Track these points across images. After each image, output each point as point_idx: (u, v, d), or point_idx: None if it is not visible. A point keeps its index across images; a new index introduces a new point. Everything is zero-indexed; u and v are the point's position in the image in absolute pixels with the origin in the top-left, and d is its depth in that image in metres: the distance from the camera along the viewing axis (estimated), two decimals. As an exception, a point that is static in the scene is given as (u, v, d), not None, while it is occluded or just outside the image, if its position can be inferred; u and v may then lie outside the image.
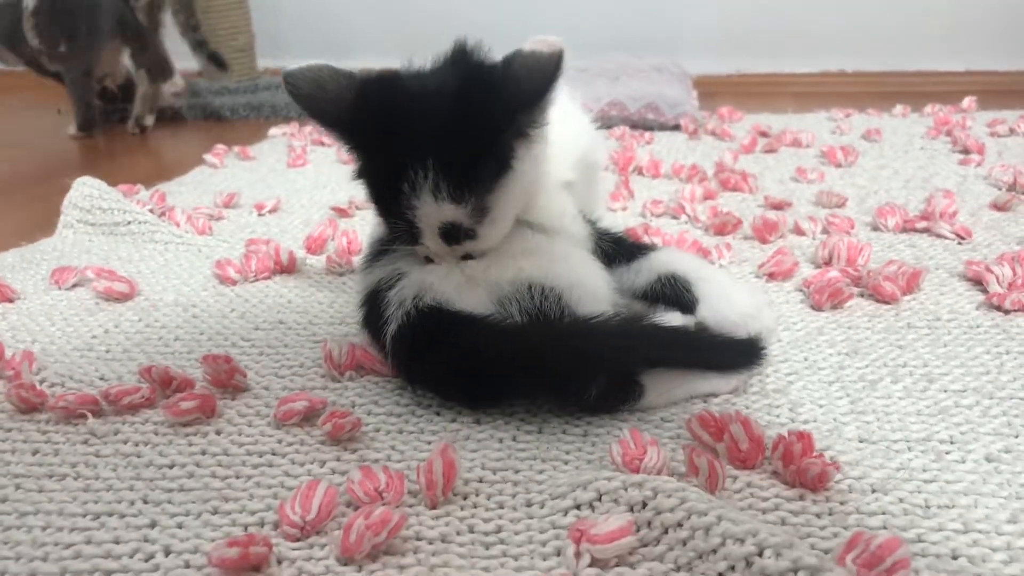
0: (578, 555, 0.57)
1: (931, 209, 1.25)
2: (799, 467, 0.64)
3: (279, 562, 0.58)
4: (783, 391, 0.79)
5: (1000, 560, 0.57)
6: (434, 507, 0.64)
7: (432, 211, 0.73)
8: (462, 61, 0.74)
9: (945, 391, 0.78)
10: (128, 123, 2.30)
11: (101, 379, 0.86)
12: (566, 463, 0.70)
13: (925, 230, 1.20)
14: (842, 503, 0.63)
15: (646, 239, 1.13)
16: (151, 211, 1.35)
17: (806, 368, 0.83)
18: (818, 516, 0.62)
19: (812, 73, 2.68)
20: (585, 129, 0.92)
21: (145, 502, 0.66)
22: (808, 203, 1.38)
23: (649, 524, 0.59)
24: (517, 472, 0.69)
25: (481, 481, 0.68)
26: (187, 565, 0.59)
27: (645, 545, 0.58)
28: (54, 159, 2.07)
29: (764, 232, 1.19)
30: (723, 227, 1.23)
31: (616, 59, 2.37)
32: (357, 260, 1.10)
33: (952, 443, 0.70)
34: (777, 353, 0.86)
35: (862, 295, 0.99)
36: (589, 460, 0.70)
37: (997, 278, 0.97)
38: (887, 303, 0.96)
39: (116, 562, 0.59)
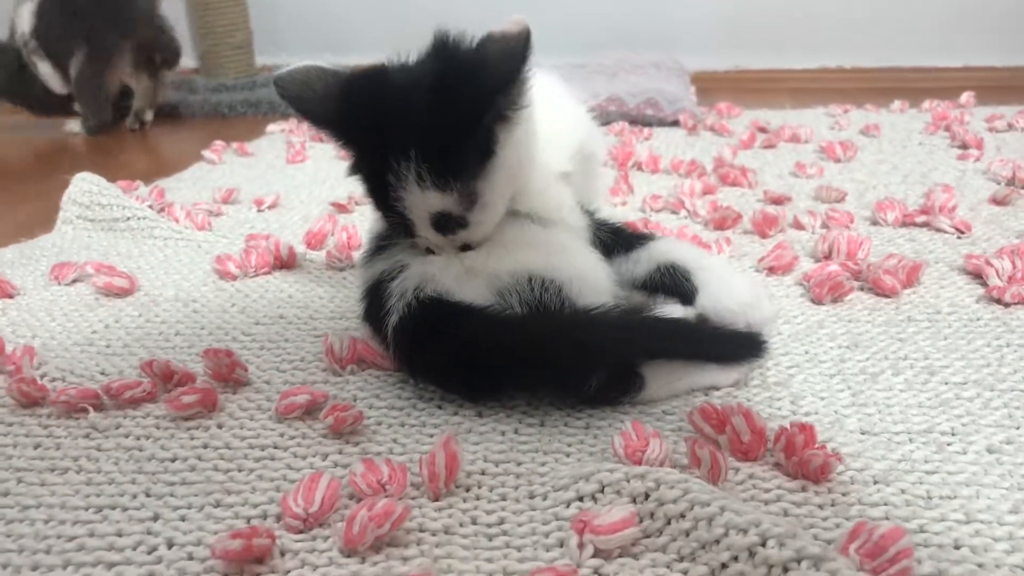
0: (581, 546, 0.57)
1: (930, 203, 1.25)
2: (801, 459, 0.64)
3: (282, 554, 0.59)
4: (784, 384, 0.79)
5: (1002, 550, 0.57)
6: (437, 499, 0.64)
7: (419, 200, 0.73)
8: (443, 51, 0.74)
9: (946, 383, 0.78)
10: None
11: (102, 374, 0.86)
12: (568, 455, 0.70)
13: (924, 224, 1.20)
14: (844, 494, 0.63)
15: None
16: (150, 207, 1.35)
17: (807, 361, 0.83)
18: (820, 507, 0.62)
19: (810, 69, 2.68)
20: (582, 120, 0.92)
21: (147, 495, 0.66)
22: (807, 198, 1.38)
23: (652, 515, 0.59)
24: (520, 464, 0.69)
25: (484, 473, 0.68)
26: (190, 557, 0.59)
27: (648, 536, 0.58)
28: (53, 155, 2.06)
29: (764, 226, 1.19)
30: (723, 222, 1.23)
31: (614, 55, 2.37)
32: (357, 255, 1.11)
33: (953, 435, 0.70)
34: (778, 346, 0.86)
35: (862, 289, 0.99)
36: (591, 452, 0.70)
37: (997, 271, 0.97)
38: (887, 296, 0.97)
39: (119, 554, 0.59)
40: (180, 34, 2.59)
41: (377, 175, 0.75)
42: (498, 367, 0.74)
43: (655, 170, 1.60)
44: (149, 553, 0.59)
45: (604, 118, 1.98)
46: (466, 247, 0.78)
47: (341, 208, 1.41)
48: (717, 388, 0.78)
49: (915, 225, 1.21)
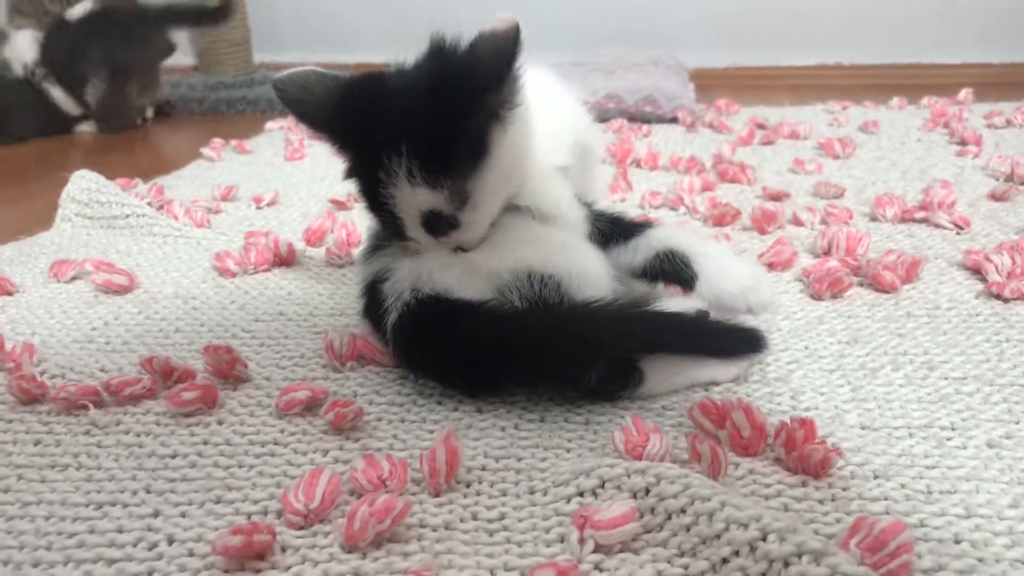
0: (582, 541, 0.57)
1: (929, 199, 1.25)
2: (801, 454, 0.64)
3: (283, 550, 0.59)
4: (784, 379, 0.79)
5: (1002, 544, 0.57)
6: (437, 495, 0.64)
7: (409, 198, 0.73)
8: (438, 54, 0.74)
9: (946, 379, 0.78)
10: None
11: (102, 371, 0.86)
12: (568, 451, 0.70)
13: (924, 220, 1.20)
14: (844, 489, 0.63)
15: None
16: (149, 204, 1.35)
17: (807, 357, 0.83)
18: (821, 502, 0.62)
19: (808, 66, 2.68)
20: (578, 114, 0.92)
21: (148, 492, 0.66)
22: (806, 194, 1.38)
23: (652, 510, 0.59)
24: (520, 460, 0.69)
25: (484, 469, 0.68)
26: (191, 554, 0.59)
27: (649, 531, 0.58)
28: (51, 153, 2.06)
29: (763, 223, 1.20)
30: (722, 218, 1.23)
31: (612, 53, 2.37)
32: (356, 252, 1.10)
33: (953, 430, 0.70)
34: (778, 342, 0.86)
35: (861, 284, 0.99)
36: (592, 448, 0.70)
37: (996, 267, 0.97)
38: (887, 292, 0.97)
39: (120, 551, 0.59)
40: (179, 32, 2.58)
41: (370, 174, 0.75)
42: (498, 362, 0.74)
43: (654, 167, 1.60)
44: (150, 549, 0.59)
45: (603, 115, 1.98)
46: (459, 249, 0.78)
47: (340, 205, 1.41)
48: (717, 383, 0.78)
49: (914, 221, 1.21)
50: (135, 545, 0.60)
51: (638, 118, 2.02)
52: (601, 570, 0.56)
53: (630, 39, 2.59)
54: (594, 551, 0.57)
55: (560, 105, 0.89)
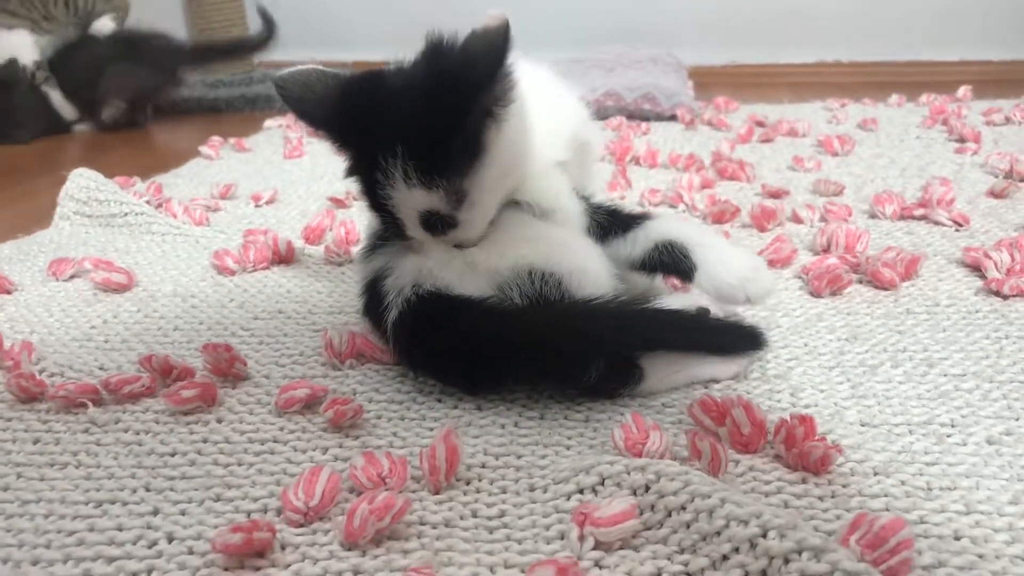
0: (582, 538, 0.57)
1: (928, 197, 1.25)
2: (801, 450, 0.64)
3: (283, 547, 0.59)
4: (784, 376, 0.79)
5: (1002, 540, 0.57)
6: (437, 492, 0.64)
7: (406, 198, 0.73)
8: (433, 52, 0.74)
9: (945, 375, 0.78)
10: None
11: (100, 369, 0.86)
12: (568, 448, 0.70)
13: (923, 217, 1.20)
14: (844, 486, 0.63)
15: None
16: (148, 203, 1.35)
17: (806, 354, 0.83)
18: (821, 499, 0.62)
19: (807, 63, 2.68)
20: (575, 110, 0.92)
21: (147, 490, 0.66)
22: (805, 191, 1.38)
23: (652, 507, 0.59)
24: (520, 457, 0.69)
25: (484, 466, 0.68)
26: (190, 551, 0.58)
27: (649, 528, 0.58)
28: (50, 151, 2.06)
29: (762, 220, 1.20)
30: (721, 215, 1.23)
31: (611, 50, 2.37)
32: (355, 250, 1.10)
33: (953, 426, 0.70)
34: (777, 339, 0.86)
35: (861, 281, 0.99)
36: (591, 445, 0.70)
37: (995, 264, 0.97)
38: (886, 289, 0.97)
39: (119, 549, 0.59)
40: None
41: (369, 174, 0.75)
42: (498, 358, 0.74)
43: (653, 164, 1.60)
44: (149, 547, 0.59)
45: (602, 113, 1.98)
46: (460, 246, 0.78)
47: (339, 203, 1.41)
48: (717, 381, 0.78)
49: (913, 218, 1.21)
50: (135, 543, 0.60)
51: (637, 116, 2.02)
52: (601, 567, 0.56)
53: (629, 36, 2.59)
54: (594, 548, 0.57)
55: (557, 101, 0.89)
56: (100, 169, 1.36)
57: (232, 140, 1.89)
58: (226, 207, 1.42)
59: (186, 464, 0.69)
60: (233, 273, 1.10)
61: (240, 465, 0.69)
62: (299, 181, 1.59)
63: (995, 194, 1.30)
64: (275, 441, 0.72)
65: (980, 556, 0.55)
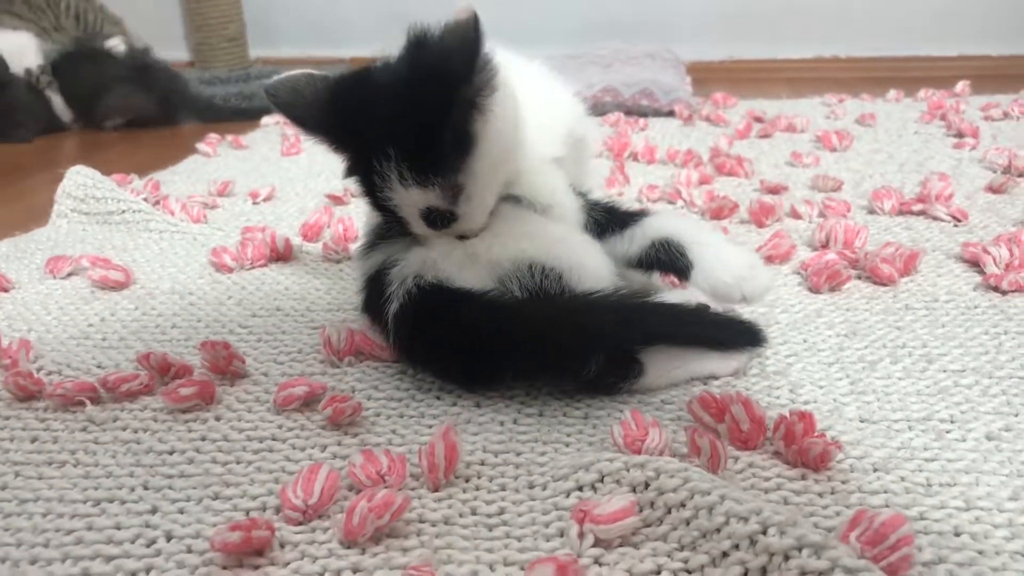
0: (581, 535, 0.57)
1: (927, 192, 1.25)
2: (801, 447, 0.64)
3: (282, 546, 0.58)
4: (783, 373, 0.79)
5: (1002, 536, 0.57)
6: (436, 490, 0.64)
7: (405, 198, 0.74)
8: (413, 48, 0.74)
9: (944, 371, 0.78)
10: None
11: (98, 367, 0.85)
12: (567, 445, 0.70)
13: (921, 213, 1.20)
14: (844, 482, 0.63)
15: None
16: (145, 200, 1.34)
17: (805, 350, 0.83)
18: (820, 495, 0.62)
19: (805, 59, 2.67)
20: (571, 106, 0.92)
21: (145, 488, 0.65)
22: (804, 187, 1.38)
23: (652, 504, 0.59)
24: (519, 455, 0.69)
25: (483, 464, 0.67)
26: (189, 550, 0.58)
27: (648, 525, 0.58)
28: (47, 149, 2.05)
29: (761, 216, 1.19)
30: (720, 211, 1.23)
31: (609, 46, 2.37)
32: (354, 247, 1.10)
33: (952, 422, 0.70)
34: (776, 335, 0.86)
35: (860, 277, 0.99)
36: (591, 442, 0.70)
37: (994, 259, 0.97)
38: (885, 285, 0.97)
39: (118, 547, 0.59)
40: (174, 27, 2.59)
41: (366, 175, 0.76)
42: (498, 352, 0.74)
43: (651, 160, 1.60)
44: (148, 546, 0.59)
45: (599, 109, 1.98)
46: (464, 236, 0.78)
47: (337, 200, 1.40)
48: (716, 377, 0.78)
49: (912, 214, 1.21)
50: (133, 542, 0.59)
51: (635, 111, 2.02)
52: (601, 564, 0.56)
53: (627, 32, 2.59)
54: (594, 545, 0.57)
55: (552, 97, 0.89)
56: (97, 167, 1.36)
57: (229, 137, 1.89)
58: (224, 204, 1.42)
59: (184, 462, 0.69)
60: (231, 270, 1.09)
61: (239, 463, 0.68)
62: (297, 178, 1.59)
63: (993, 189, 1.30)
64: (273, 439, 0.72)
65: (980, 552, 0.55)
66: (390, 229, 0.81)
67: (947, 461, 0.65)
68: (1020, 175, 1.35)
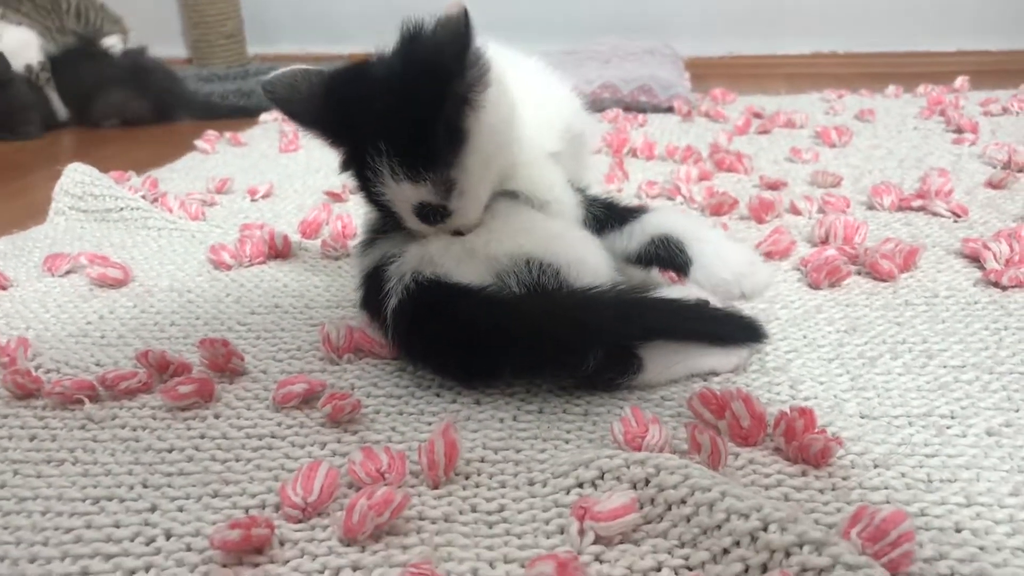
0: (582, 532, 0.57)
1: (926, 188, 1.24)
2: (801, 443, 0.64)
3: (281, 544, 0.58)
4: (783, 369, 0.79)
5: (1003, 532, 0.57)
6: (436, 487, 0.64)
7: (397, 193, 0.74)
8: (406, 43, 0.74)
9: (945, 367, 0.78)
10: None
11: (97, 365, 0.85)
12: (567, 442, 0.69)
13: (921, 208, 1.20)
14: (845, 478, 0.63)
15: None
16: (143, 197, 1.34)
17: (805, 346, 0.83)
18: (821, 491, 0.62)
19: (804, 54, 2.67)
20: (567, 101, 0.92)
21: (145, 486, 0.65)
22: (803, 183, 1.37)
23: (652, 501, 0.59)
24: (519, 452, 0.68)
25: (483, 461, 0.67)
26: (188, 548, 0.58)
27: (649, 522, 0.58)
28: (44, 146, 2.05)
29: (760, 212, 1.19)
30: (719, 207, 1.23)
31: (607, 42, 2.37)
32: (352, 244, 1.10)
33: (953, 418, 0.70)
34: (776, 331, 0.85)
35: (859, 273, 0.99)
36: (591, 439, 0.70)
37: (994, 255, 0.97)
38: (885, 281, 0.96)
39: (117, 546, 0.59)
40: (171, 24, 2.58)
41: (360, 170, 0.76)
42: (496, 347, 0.74)
43: (650, 157, 1.59)
44: (147, 544, 0.59)
45: (598, 105, 1.97)
46: (459, 232, 0.78)
47: (335, 197, 1.40)
48: (716, 373, 0.78)
49: (911, 209, 1.20)
50: (132, 540, 0.59)
51: (634, 107, 2.01)
52: (601, 561, 0.56)
53: (625, 28, 2.58)
54: (594, 542, 0.57)
55: (549, 92, 0.89)
56: (95, 164, 1.36)
57: (228, 134, 1.88)
58: (222, 201, 1.42)
59: (183, 460, 0.69)
60: (229, 268, 1.09)
61: (238, 461, 0.68)
62: (295, 175, 1.58)
63: (993, 185, 1.29)
64: (273, 436, 0.71)
65: (981, 548, 0.55)
66: (386, 224, 0.81)
67: (948, 457, 0.65)
68: (1020, 170, 1.35)
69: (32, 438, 0.73)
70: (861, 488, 0.62)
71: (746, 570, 0.53)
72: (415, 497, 0.62)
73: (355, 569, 0.56)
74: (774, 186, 1.35)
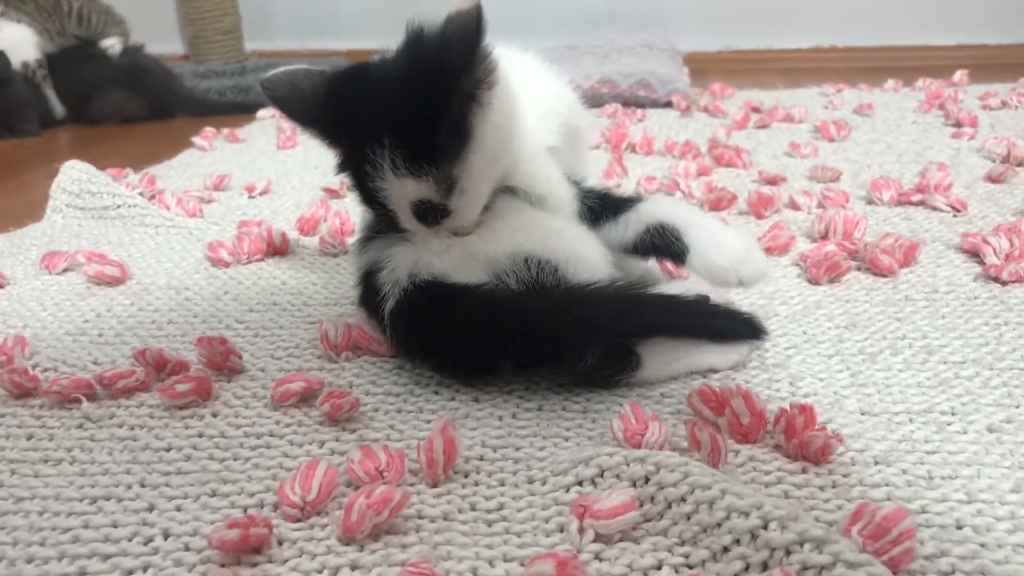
0: (581, 531, 0.56)
1: (926, 182, 1.24)
2: (801, 440, 0.64)
3: (280, 543, 0.58)
4: (783, 365, 0.79)
5: (1004, 529, 0.56)
6: (435, 485, 0.64)
7: (397, 189, 0.73)
8: (413, 42, 0.73)
9: (945, 363, 0.78)
10: None
11: (94, 363, 0.85)
12: (567, 440, 0.69)
13: (920, 203, 1.20)
14: (845, 476, 0.62)
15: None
16: (141, 194, 1.34)
17: (805, 342, 0.83)
18: (821, 489, 0.61)
19: (803, 49, 2.67)
20: (565, 96, 0.92)
21: (142, 485, 0.65)
22: (802, 178, 1.37)
23: (652, 499, 0.58)
24: (518, 449, 0.68)
25: (482, 459, 0.67)
26: (187, 548, 0.58)
27: (649, 520, 0.58)
28: (42, 143, 2.05)
29: (759, 207, 1.19)
30: (718, 202, 1.23)
31: (606, 37, 2.36)
32: (351, 241, 1.10)
33: (953, 414, 0.70)
34: (776, 327, 0.85)
35: (859, 268, 0.99)
36: (590, 436, 0.69)
37: (994, 249, 0.97)
38: (884, 276, 0.96)
39: (115, 546, 0.58)
40: (168, 20, 2.57)
41: (359, 168, 0.75)
42: (494, 344, 0.73)
43: (649, 152, 1.59)
44: (145, 544, 0.59)
45: (597, 100, 1.97)
46: (456, 234, 0.77)
47: (333, 194, 1.40)
48: (715, 370, 0.78)
49: (911, 204, 1.20)
50: (130, 540, 0.59)
51: (632, 103, 2.01)
52: (601, 560, 0.55)
53: (624, 23, 2.58)
54: (594, 541, 0.56)
55: (546, 87, 0.88)
56: (92, 161, 1.35)
57: (225, 131, 1.88)
58: (220, 198, 1.42)
59: (181, 459, 0.68)
60: (227, 265, 1.09)
61: (236, 460, 0.68)
62: (293, 171, 1.58)
63: (992, 179, 1.29)
64: (271, 435, 0.71)
65: (982, 545, 0.55)
66: (380, 224, 0.80)
67: (948, 454, 0.65)
68: (1019, 164, 1.34)
69: (29, 437, 0.72)
70: (862, 485, 0.61)
71: (746, 568, 0.52)
72: (414, 496, 0.62)
73: (354, 568, 0.55)
74: (773, 181, 1.35)
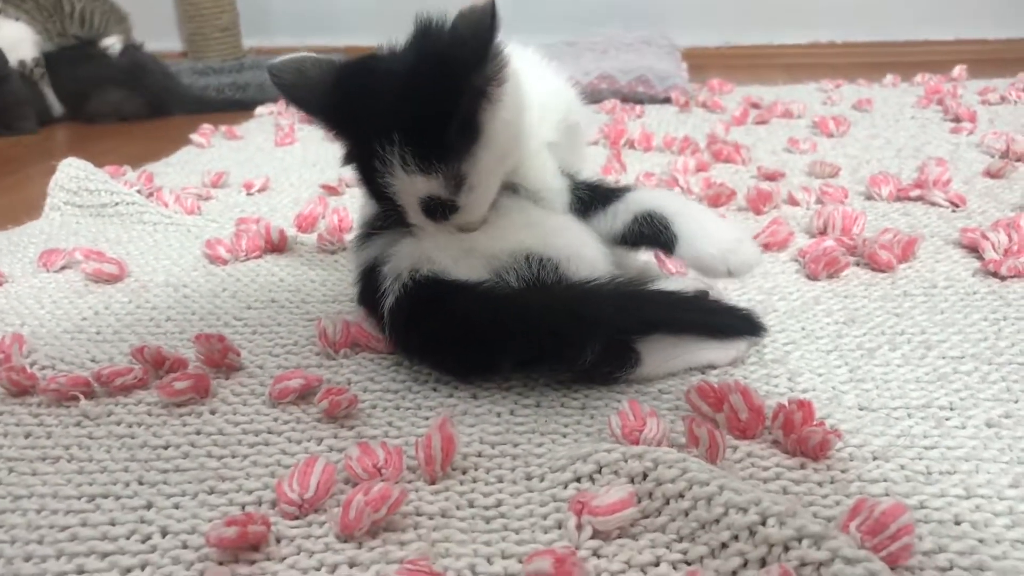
0: (580, 527, 0.56)
1: (924, 177, 1.24)
2: (800, 436, 0.64)
3: (278, 540, 0.58)
4: (781, 361, 0.79)
5: (1003, 524, 0.56)
6: (433, 482, 0.64)
7: (406, 185, 0.73)
8: (423, 35, 0.73)
9: (943, 358, 0.78)
10: None
11: (92, 361, 0.85)
12: (565, 436, 0.69)
13: (919, 198, 1.20)
14: (843, 471, 0.62)
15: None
16: (139, 192, 1.34)
17: (804, 337, 0.83)
18: (820, 484, 0.61)
19: (801, 44, 2.66)
20: (565, 92, 0.91)
21: (140, 483, 0.65)
22: (801, 173, 1.37)
23: (650, 495, 0.58)
24: (516, 446, 0.68)
25: (480, 456, 0.67)
26: (184, 546, 0.58)
27: (647, 516, 0.58)
28: (39, 141, 2.04)
29: (758, 203, 1.19)
30: (717, 198, 1.22)
31: (604, 33, 2.36)
32: (349, 238, 1.10)
33: (952, 409, 0.70)
34: (774, 323, 0.85)
35: (858, 264, 0.98)
36: (588, 433, 0.69)
37: (993, 245, 0.97)
38: (883, 271, 0.96)
39: (113, 544, 0.58)
40: (166, 17, 2.57)
41: (367, 162, 0.74)
42: (494, 341, 0.73)
43: (648, 148, 1.59)
44: (143, 542, 0.59)
45: (596, 96, 1.97)
46: (463, 230, 0.77)
47: (331, 190, 1.40)
48: (714, 367, 0.78)
49: (909, 199, 1.20)
50: (128, 538, 0.59)
51: (631, 99, 2.01)
52: (599, 556, 0.55)
53: (623, 19, 2.58)
54: (592, 537, 0.56)
55: (545, 82, 0.88)
56: (90, 158, 1.35)
57: (223, 128, 1.88)
58: (218, 195, 1.41)
59: (179, 457, 0.68)
60: (225, 262, 1.09)
61: (234, 457, 0.68)
62: (291, 168, 1.58)
63: (991, 174, 1.29)
64: (269, 432, 0.71)
65: (981, 540, 0.55)
66: (387, 219, 0.80)
67: (947, 449, 0.65)
68: (1018, 160, 1.34)
69: (27, 435, 0.72)
70: (860, 481, 0.61)
71: (745, 564, 0.52)
72: (412, 493, 0.62)
73: (352, 565, 0.55)
74: (772, 177, 1.34)
